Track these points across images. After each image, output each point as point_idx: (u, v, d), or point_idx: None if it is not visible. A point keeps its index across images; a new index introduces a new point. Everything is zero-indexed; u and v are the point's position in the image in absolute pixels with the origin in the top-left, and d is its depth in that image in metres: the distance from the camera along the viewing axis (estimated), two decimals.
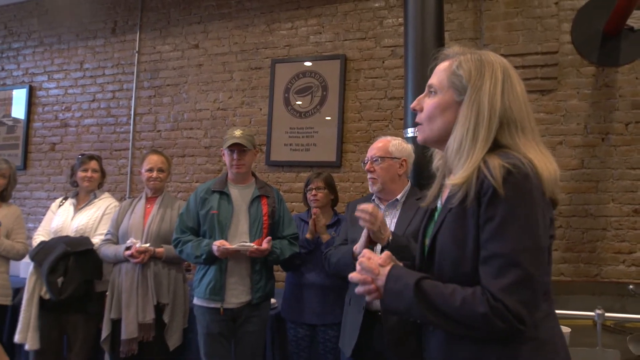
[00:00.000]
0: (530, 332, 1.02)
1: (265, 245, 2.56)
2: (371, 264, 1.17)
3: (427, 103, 1.20)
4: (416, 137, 1.28)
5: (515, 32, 3.40)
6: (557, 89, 3.39)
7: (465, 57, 1.17)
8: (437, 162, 1.31)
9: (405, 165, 2.31)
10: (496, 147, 1.09)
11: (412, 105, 1.26)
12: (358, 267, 1.19)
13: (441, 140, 1.19)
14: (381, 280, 1.14)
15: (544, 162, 1.06)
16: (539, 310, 1.04)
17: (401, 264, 1.20)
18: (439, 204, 1.26)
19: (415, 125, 1.24)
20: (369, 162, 2.29)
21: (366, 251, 1.21)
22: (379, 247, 1.95)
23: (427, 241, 1.22)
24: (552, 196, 1.09)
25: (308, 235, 2.82)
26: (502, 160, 1.02)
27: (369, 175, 2.29)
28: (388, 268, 1.14)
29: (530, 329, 1.01)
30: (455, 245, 1.09)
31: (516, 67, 3.49)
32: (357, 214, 1.80)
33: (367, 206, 1.80)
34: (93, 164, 3.18)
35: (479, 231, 1.05)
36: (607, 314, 2.01)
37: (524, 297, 0.98)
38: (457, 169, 1.11)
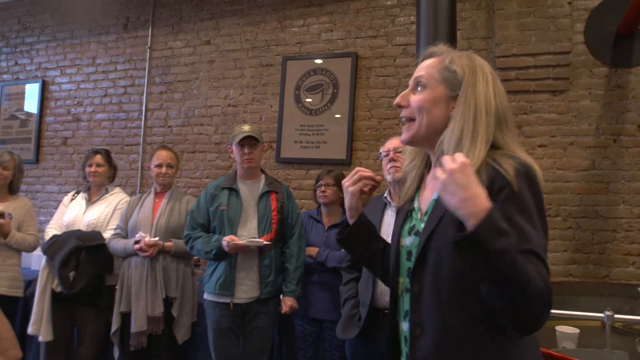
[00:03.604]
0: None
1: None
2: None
3: (416, 97, 1.17)
4: None
5: (527, 31, 3.38)
6: (569, 90, 3.37)
7: (456, 55, 1.17)
8: (407, 164, 1.30)
9: None
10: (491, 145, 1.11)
11: (396, 101, 1.21)
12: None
13: (429, 137, 1.16)
14: (483, 202, 0.94)
15: (534, 163, 1.09)
16: None
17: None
18: (416, 205, 1.24)
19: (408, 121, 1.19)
20: (391, 152, 2.30)
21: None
22: None
23: (404, 241, 1.21)
24: None
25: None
26: (512, 161, 1.03)
27: (390, 165, 2.30)
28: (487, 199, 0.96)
29: None
30: None
31: (528, 67, 3.50)
32: None
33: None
34: (97, 158, 3.19)
35: None
36: (616, 316, 2.00)
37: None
38: None
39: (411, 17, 3.78)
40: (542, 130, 3.40)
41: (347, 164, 3.85)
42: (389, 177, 2.33)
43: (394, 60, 3.84)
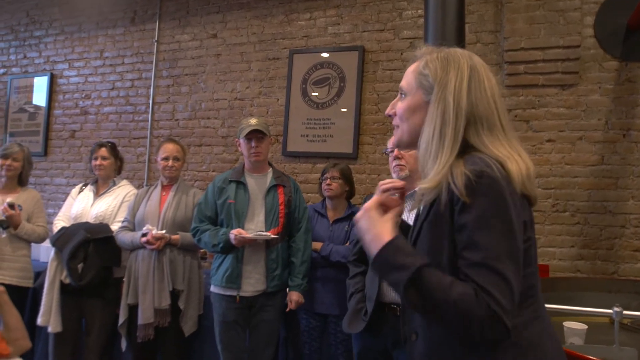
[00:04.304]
0: (514, 338, 0.99)
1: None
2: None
3: (399, 106, 1.19)
4: None
5: (536, 25, 3.35)
6: (578, 84, 3.34)
7: (432, 56, 1.15)
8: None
9: None
10: (465, 147, 1.07)
11: (386, 111, 1.24)
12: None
13: (413, 142, 1.17)
14: (378, 241, 1.07)
15: (514, 160, 1.04)
16: (520, 315, 1.01)
17: None
18: (422, 209, 1.24)
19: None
20: (397, 148, 2.28)
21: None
22: None
23: None
24: (526, 193, 1.06)
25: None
26: (465, 168, 1.00)
27: (395, 163, 2.28)
28: (389, 236, 1.06)
29: (513, 335, 0.97)
30: (430, 254, 1.07)
31: (537, 61, 3.46)
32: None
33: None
34: (102, 151, 3.20)
35: (453, 239, 1.03)
36: (625, 312, 1.99)
37: (506, 306, 0.94)
38: (427, 171, 1.09)
39: (419, 11, 3.76)
40: (551, 124, 3.37)
41: (354, 157, 3.84)
42: (394, 175, 2.33)
43: (401, 54, 3.82)
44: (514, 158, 1.04)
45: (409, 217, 2.19)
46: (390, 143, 2.37)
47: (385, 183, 1.23)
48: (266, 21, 4.28)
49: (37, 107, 5.13)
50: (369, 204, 1.14)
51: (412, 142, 1.18)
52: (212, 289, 2.75)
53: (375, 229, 1.09)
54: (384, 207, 1.17)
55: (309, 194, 3.92)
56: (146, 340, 2.79)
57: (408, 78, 1.18)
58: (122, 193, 3.20)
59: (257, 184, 2.77)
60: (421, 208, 1.23)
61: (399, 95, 1.22)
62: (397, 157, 2.28)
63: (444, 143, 1.06)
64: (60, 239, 2.96)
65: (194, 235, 2.76)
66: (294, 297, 2.69)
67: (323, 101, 4.00)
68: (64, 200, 3.39)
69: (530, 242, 1.07)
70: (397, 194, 1.23)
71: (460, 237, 1.01)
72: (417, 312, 1.09)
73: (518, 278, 0.98)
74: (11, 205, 3.05)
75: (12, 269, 3.12)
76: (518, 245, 1.00)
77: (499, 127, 1.09)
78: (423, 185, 1.08)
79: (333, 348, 2.84)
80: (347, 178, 2.99)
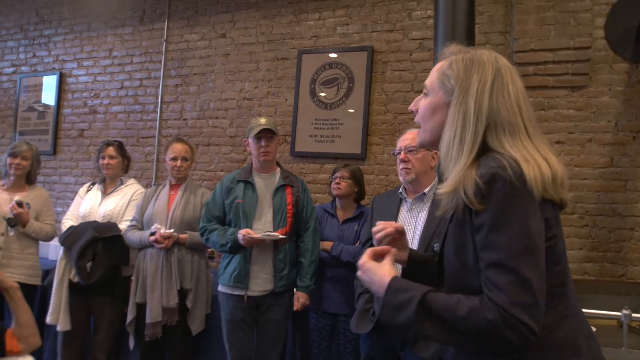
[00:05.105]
0: (544, 339, 0.98)
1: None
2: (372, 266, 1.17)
3: (421, 104, 1.20)
4: None
5: (547, 26, 3.33)
6: (589, 86, 3.32)
7: (457, 57, 1.14)
8: None
9: (436, 158, 2.31)
10: (485, 150, 1.06)
11: (409, 107, 1.26)
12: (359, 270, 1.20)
13: (435, 142, 1.17)
14: (381, 289, 1.09)
15: (535, 163, 1.02)
16: (549, 315, 0.99)
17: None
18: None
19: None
20: (403, 152, 2.28)
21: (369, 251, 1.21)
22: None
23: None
24: (549, 197, 1.04)
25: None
26: (476, 173, 1.01)
27: (401, 166, 2.28)
28: (388, 279, 1.09)
29: (543, 335, 0.96)
30: (457, 256, 1.09)
31: (547, 63, 3.43)
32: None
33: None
34: (109, 150, 3.21)
35: (474, 241, 1.03)
36: (633, 315, 1.98)
37: (527, 305, 0.93)
38: (447, 175, 1.09)
39: (428, 11, 3.75)
40: (560, 126, 3.36)
41: (362, 158, 3.84)
42: (401, 178, 2.33)
43: (410, 54, 3.81)
44: (535, 161, 1.02)
45: (419, 218, 2.21)
46: (398, 145, 2.36)
47: (378, 231, 1.27)
48: (275, 21, 4.29)
49: (46, 106, 5.16)
50: (362, 259, 1.17)
51: (433, 142, 1.18)
52: (220, 288, 2.75)
53: (376, 276, 1.12)
54: (379, 257, 1.20)
55: (316, 195, 3.92)
56: (154, 339, 2.81)
57: (432, 77, 1.19)
58: (129, 192, 3.22)
59: (265, 184, 2.78)
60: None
61: (423, 92, 1.22)
62: (403, 161, 2.27)
63: (463, 147, 1.06)
64: (69, 238, 2.98)
65: (202, 235, 2.77)
66: (301, 299, 2.70)
67: (331, 101, 4.00)
68: (72, 199, 3.41)
69: (556, 240, 1.06)
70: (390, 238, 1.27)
71: (478, 238, 1.02)
72: (442, 344, 1.11)
73: (539, 276, 0.96)
74: (19, 204, 3.07)
75: (20, 267, 3.15)
76: (536, 243, 0.99)
77: (523, 131, 1.08)
78: (440, 190, 1.08)
79: (342, 347, 2.84)
80: (356, 179, 3.00)
